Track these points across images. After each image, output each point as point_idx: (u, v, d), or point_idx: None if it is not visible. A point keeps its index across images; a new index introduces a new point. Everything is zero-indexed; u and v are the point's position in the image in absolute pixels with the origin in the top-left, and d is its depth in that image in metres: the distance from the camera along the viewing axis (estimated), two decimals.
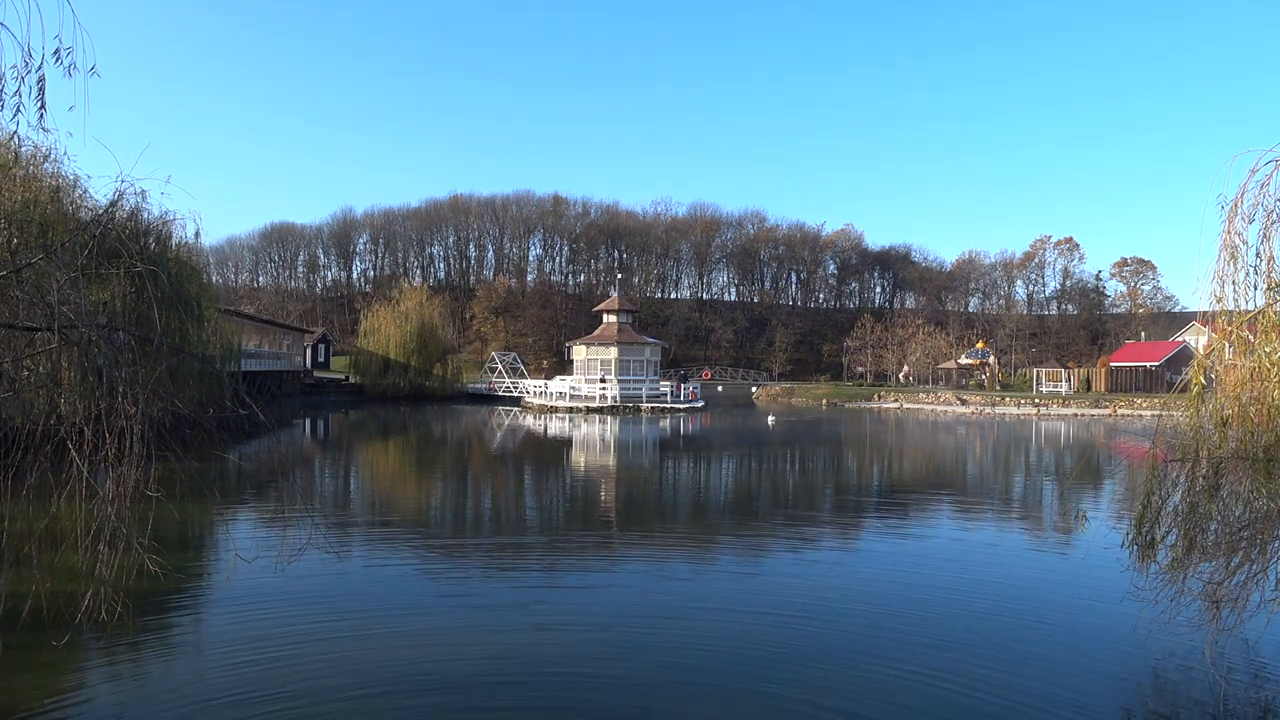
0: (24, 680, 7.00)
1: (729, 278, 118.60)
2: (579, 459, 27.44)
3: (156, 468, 5.90)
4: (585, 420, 45.32)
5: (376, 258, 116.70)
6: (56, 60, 5.25)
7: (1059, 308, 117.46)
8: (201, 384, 11.50)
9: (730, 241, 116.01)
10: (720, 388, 64.37)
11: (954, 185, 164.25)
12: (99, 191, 23.47)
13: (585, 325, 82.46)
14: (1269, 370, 6.94)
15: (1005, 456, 31.04)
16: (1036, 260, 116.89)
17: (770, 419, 41.97)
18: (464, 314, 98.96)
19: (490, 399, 64.73)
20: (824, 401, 67.01)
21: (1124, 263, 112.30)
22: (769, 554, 13.16)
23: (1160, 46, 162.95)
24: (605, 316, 58.82)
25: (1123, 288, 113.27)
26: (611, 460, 27.38)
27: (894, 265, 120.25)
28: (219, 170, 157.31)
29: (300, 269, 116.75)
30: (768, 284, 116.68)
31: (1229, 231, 7.06)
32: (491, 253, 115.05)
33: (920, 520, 16.47)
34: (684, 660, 7.80)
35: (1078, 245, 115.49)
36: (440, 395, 64.84)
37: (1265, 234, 6.99)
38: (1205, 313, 7.90)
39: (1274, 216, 6.93)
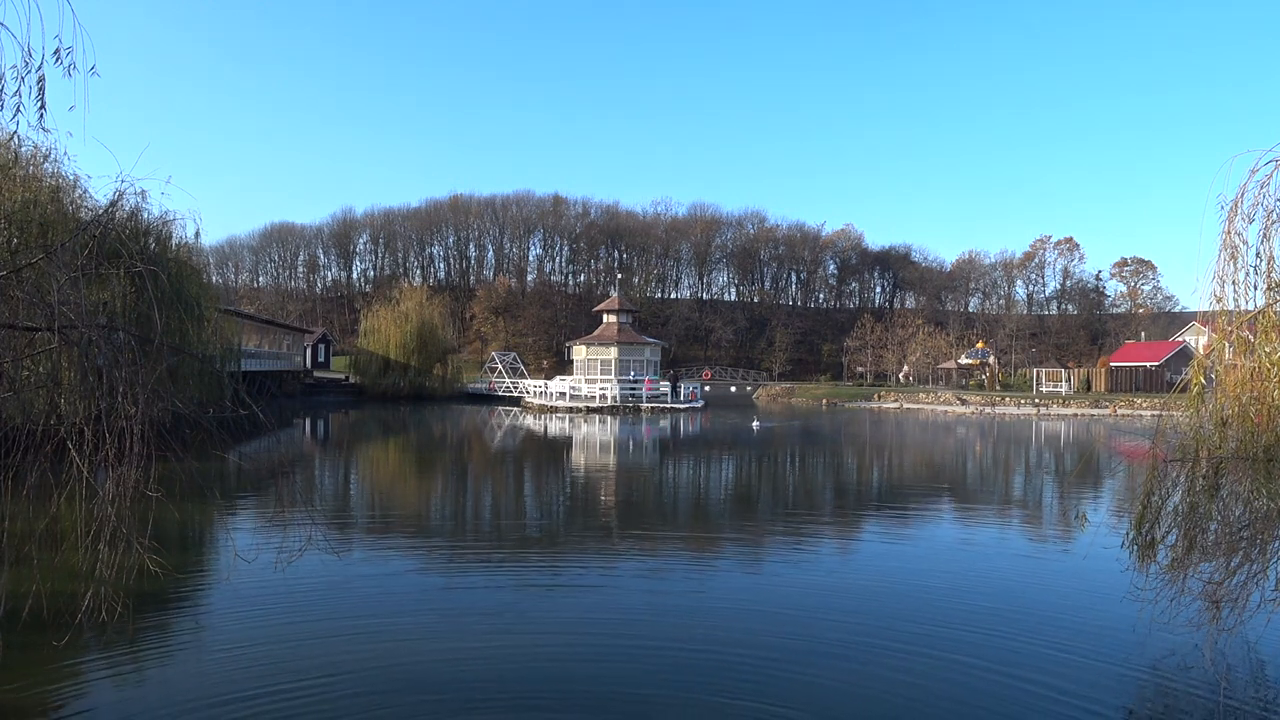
0: (24, 680, 6.99)
1: (729, 278, 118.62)
2: (579, 459, 27.44)
3: (156, 468, 5.89)
4: (585, 420, 45.32)
5: (376, 258, 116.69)
6: (56, 60, 5.25)
7: (1059, 308, 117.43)
8: (201, 384, 11.55)
9: (730, 241, 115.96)
10: (708, 388, 64.10)
11: (954, 185, 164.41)
12: (99, 191, 23.53)
13: (585, 325, 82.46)
14: (1269, 370, 6.95)
15: (1005, 456, 31.03)
16: (1036, 260, 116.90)
17: (755, 423, 40.86)
18: (464, 314, 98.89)
19: (490, 399, 64.73)
20: (824, 401, 67.01)
21: (1124, 263, 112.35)
22: (768, 554, 13.16)
23: (1160, 46, 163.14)
24: (605, 316, 58.83)
25: (1123, 288, 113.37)
26: (611, 460, 27.38)
27: (894, 265, 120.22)
28: (219, 170, 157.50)
29: (300, 269, 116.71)
30: (768, 284, 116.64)
31: (1229, 231, 7.07)
32: (491, 253, 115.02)
33: (920, 520, 16.47)
34: (685, 660, 7.80)
35: (1078, 245, 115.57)
36: (440, 395, 64.83)
37: (1265, 234, 7.00)
38: (1205, 313, 7.91)
39: (1274, 216, 6.94)
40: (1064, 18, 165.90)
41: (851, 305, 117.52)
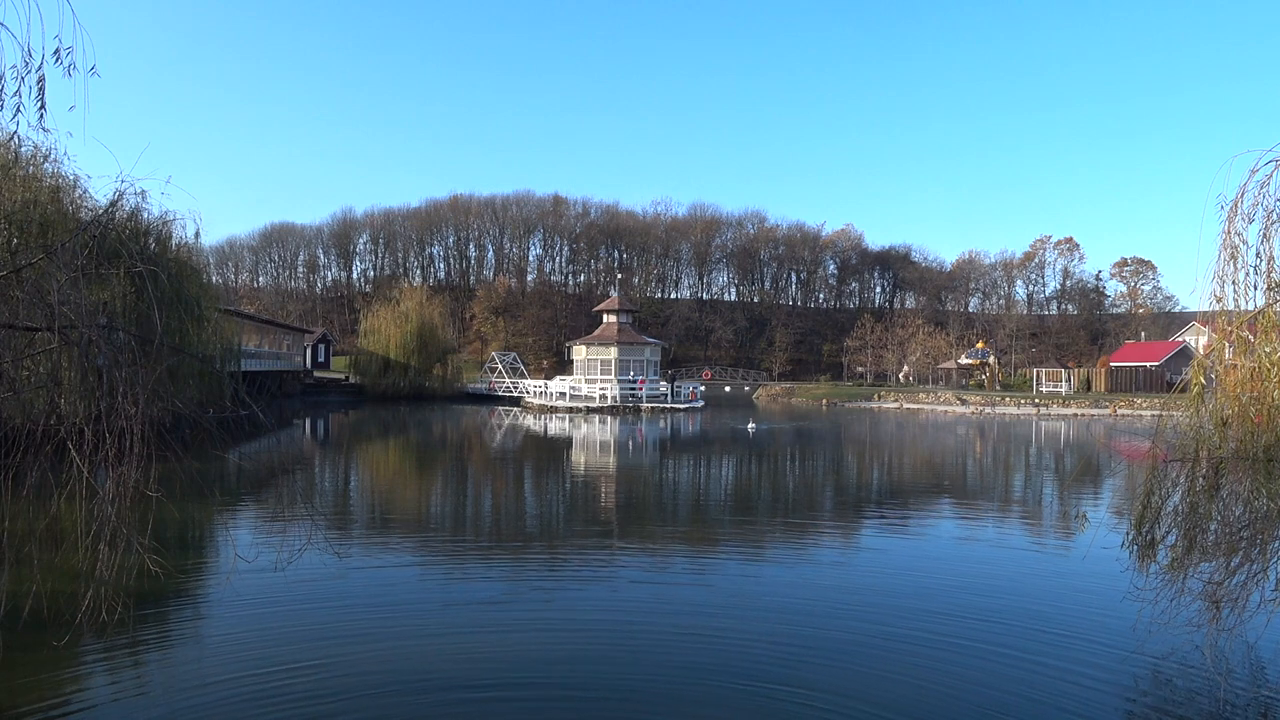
0: (24, 680, 6.99)
1: (729, 278, 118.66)
2: (578, 459, 27.44)
3: (156, 468, 5.89)
4: (585, 420, 45.32)
5: (376, 258, 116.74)
6: (56, 60, 5.25)
7: (1059, 308, 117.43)
8: (201, 384, 11.55)
9: (730, 241, 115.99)
10: (704, 388, 63.95)
11: (954, 185, 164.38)
12: (99, 191, 23.49)
13: (585, 325, 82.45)
14: (1269, 370, 6.94)
15: (1005, 456, 31.03)
16: (1036, 260, 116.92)
17: (750, 425, 40.07)
18: (464, 314, 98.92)
19: (490, 399, 64.69)
20: (824, 402, 66.98)
21: (1124, 263, 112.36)
22: (768, 554, 13.17)
23: (1160, 46, 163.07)
24: (605, 316, 58.80)
25: (1123, 288, 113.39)
26: (611, 460, 27.39)
27: (894, 265, 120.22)
28: (219, 170, 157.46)
29: (300, 269, 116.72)
30: (768, 284, 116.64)
31: (1229, 231, 7.06)
32: (491, 253, 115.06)
33: (920, 521, 16.47)
34: (685, 660, 7.80)
35: (1078, 245, 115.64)
36: (440, 395, 64.81)
37: (1265, 234, 6.99)
38: (1205, 313, 7.91)
39: (1274, 216, 6.94)
40: (1064, 18, 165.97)
41: (851, 305, 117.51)
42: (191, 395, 7.19)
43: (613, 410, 50.73)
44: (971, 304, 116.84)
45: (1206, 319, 8.18)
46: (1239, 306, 7.24)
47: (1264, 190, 6.91)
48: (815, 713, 6.58)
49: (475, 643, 8.32)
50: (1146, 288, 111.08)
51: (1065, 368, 77.37)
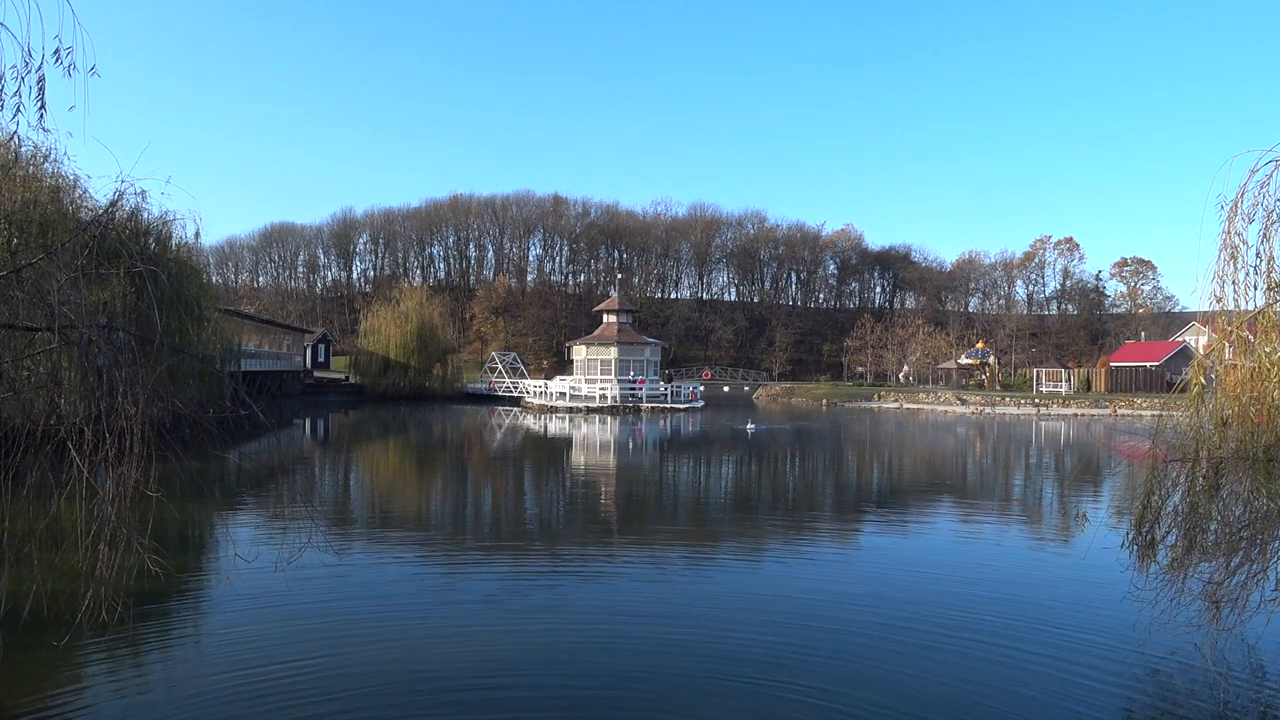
0: (24, 680, 6.99)
1: (729, 278, 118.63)
2: (578, 459, 27.45)
3: (156, 468, 5.90)
4: (585, 420, 45.32)
5: (376, 258, 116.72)
6: (56, 60, 5.25)
7: (1059, 308, 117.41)
8: (201, 384, 11.55)
9: (730, 241, 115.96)
10: (703, 388, 63.82)
11: (954, 185, 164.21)
12: (99, 191, 23.47)
13: (585, 325, 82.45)
14: (1269, 370, 6.95)
15: (1005, 456, 31.04)
16: (1036, 260, 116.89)
17: (750, 425, 39.70)
18: (464, 314, 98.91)
19: (490, 399, 64.69)
20: (824, 401, 66.96)
21: (1124, 263, 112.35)
22: (769, 554, 13.16)
23: (1160, 46, 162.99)
24: (605, 316, 58.81)
25: (1123, 288, 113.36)
26: (611, 460, 27.38)
27: (894, 265, 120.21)
28: (219, 170, 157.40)
29: (300, 269, 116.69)
30: (768, 284, 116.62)
31: (1229, 231, 7.06)
32: (491, 253, 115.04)
33: (920, 521, 16.47)
34: (686, 657, 7.80)
35: (1078, 245, 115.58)
36: (440, 395, 64.80)
37: (1265, 234, 7.00)
38: (1205, 313, 7.91)
39: (1274, 216, 6.94)
40: (1064, 18, 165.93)
41: (851, 305, 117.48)
42: (191, 395, 7.19)
43: (613, 410, 50.72)
44: (971, 304, 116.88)
45: (1206, 319, 8.19)
46: (1239, 306, 7.25)
47: (1264, 190, 6.91)
48: (816, 709, 6.58)
49: (475, 641, 8.33)
50: (1146, 288, 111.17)
51: (1065, 368, 77.36)
